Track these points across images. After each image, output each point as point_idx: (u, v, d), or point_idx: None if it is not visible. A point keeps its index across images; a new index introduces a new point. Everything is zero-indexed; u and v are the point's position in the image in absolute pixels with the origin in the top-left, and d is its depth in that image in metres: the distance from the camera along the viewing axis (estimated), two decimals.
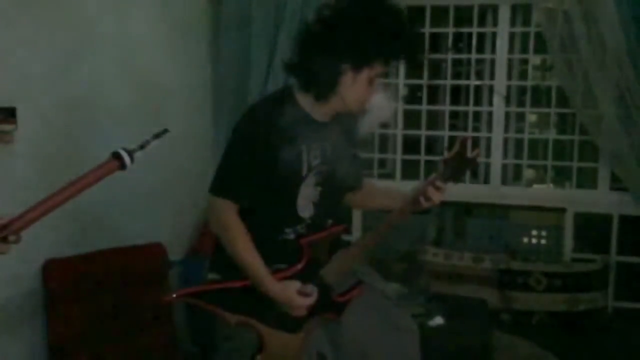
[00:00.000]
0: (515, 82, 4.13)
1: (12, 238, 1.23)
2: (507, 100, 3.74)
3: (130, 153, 1.25)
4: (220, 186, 1.90)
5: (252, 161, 1.84)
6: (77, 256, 2.55)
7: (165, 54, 3.17)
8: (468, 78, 4.03)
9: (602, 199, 3.51)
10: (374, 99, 1.88)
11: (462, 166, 1.86)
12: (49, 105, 2.45)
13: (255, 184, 1.86)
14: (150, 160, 1.27)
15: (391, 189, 2.21)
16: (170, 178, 3.18)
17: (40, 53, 2.39)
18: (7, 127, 2.21)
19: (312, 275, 1.93)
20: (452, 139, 3.88)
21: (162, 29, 3.15)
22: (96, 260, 2.60)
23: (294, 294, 1.87)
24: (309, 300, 1.89)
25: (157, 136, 1.28)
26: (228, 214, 1.88)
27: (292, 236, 1.94)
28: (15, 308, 2.37)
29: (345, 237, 2.24)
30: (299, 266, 1.91)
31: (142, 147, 1.26)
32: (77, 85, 2.59)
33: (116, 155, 1.25)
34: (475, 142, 1.87)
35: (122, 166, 1.25)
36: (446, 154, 1.89)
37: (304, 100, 1.88)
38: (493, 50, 3.86)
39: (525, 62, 4.04)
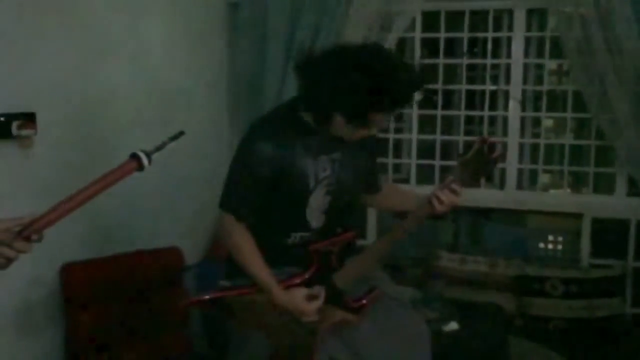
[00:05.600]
0: (531, 87, 4.11)
1: (34, 237, 1.25)
2: (523, 105, 3.72)
3: (148, 154, 1.27)
4: (225, 202, 1.92)
5: (253, 180, 1.84)
6: (96, 259, 2.57)
7: (182, 57, 3.20)
8: (483, 83, 4.02)
9: (619, 204, 3.47)
10: None
11: (481, 167, 1.78)
12: (67, 110, 2.48)
13: (258, 200, 1.87)
14: (168, 164, 1.29)
15: (410, 192, 2.17)
16: (187, 182, 3.20)
17: (58, 59, 2.42)
18: (26, 132, 2.24)
19: (323, 282, 1.93)
20: (467, 144, 3.86)
21: (178, 33, 3.18)
22: (114, 263, 2.62)
23: (302, 302, 1.87)
24: (317, 304, 1.88)
25: (173, 138, 1.31)
26: (234, 227, 1.89)
27: (300, 242, 1.94)
28: (33, 311, 2.40)
29: (359, 242, 2.22)
30: (308, 274, 1.91)
31: (158, 148, 1.29)
32: (95, 90, 2.62)
33: (134, 157, 1.27)
34: (494, 144, 1.75)
35: (140, 167, 1.27)
36: (464, 156, 1.80)
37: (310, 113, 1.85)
38: (508, 55, 3.83)
39: (541, 66, 4.02)
